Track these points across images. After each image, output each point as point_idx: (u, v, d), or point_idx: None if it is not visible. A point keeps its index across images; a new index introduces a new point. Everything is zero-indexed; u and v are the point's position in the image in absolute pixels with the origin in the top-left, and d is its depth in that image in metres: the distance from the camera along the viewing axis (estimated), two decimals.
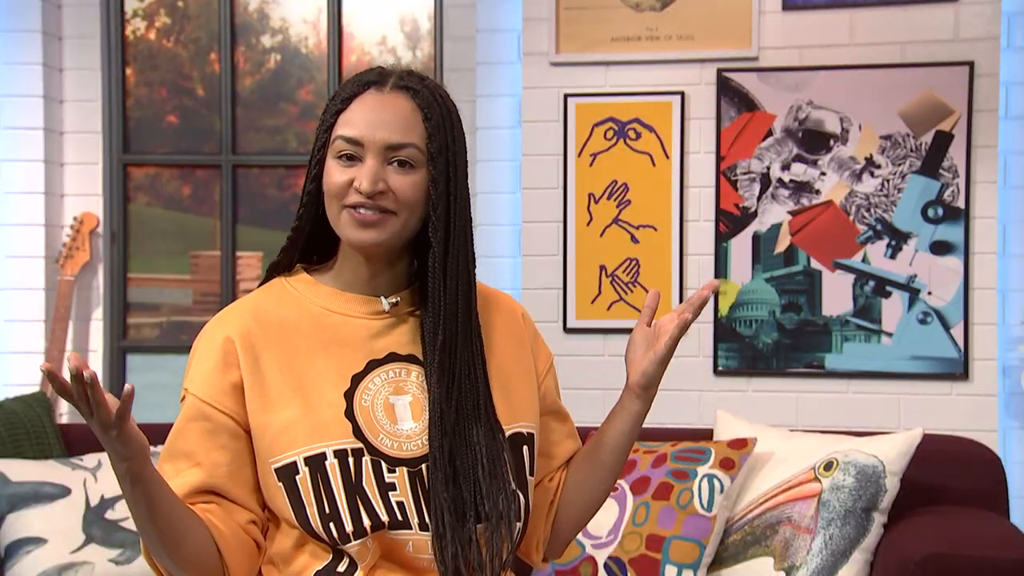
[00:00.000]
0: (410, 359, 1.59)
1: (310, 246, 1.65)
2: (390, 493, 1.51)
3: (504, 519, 1.53)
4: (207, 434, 1.53)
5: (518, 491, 1.58)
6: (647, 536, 2.63)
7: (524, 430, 1.63)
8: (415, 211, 1.55)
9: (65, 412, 3.86)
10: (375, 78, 1.57)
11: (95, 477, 2.84)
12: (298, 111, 4.08)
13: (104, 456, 2.91)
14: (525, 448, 1.62)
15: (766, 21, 3.44)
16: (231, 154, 3.97)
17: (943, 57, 3.34)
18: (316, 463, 1.50)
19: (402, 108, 1.54)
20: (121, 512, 2.81)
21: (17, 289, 3.83)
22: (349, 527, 1.49)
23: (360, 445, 1.52)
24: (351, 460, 1.51)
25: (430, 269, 1.56)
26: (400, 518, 1.51)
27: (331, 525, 1.50)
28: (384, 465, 1.52)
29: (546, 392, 1.72)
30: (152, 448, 3.25)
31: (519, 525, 1.58)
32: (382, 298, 1.60)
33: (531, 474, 1.62)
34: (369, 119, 1.53)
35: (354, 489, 1.50)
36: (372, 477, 1.51)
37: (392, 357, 1.58)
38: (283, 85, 4.05)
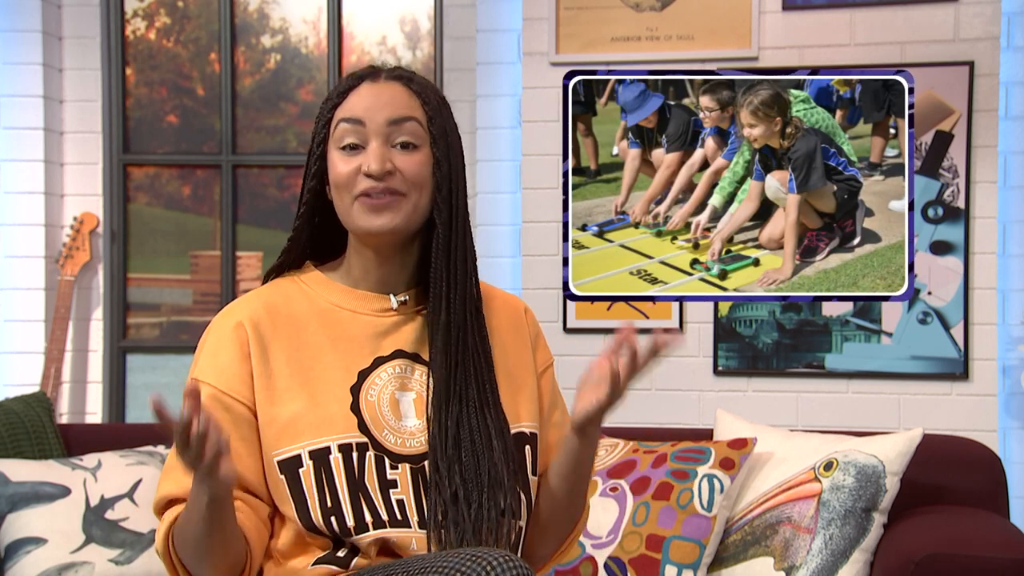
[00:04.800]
0: (415, 357, 1.58)
1: (318, 245, 1.64)
2: (391, 491, 1.51)
3: (504, 515, 1.52)
4: (229, 425, 1.51)
5: (519, 489, 1.57)
6: (647, 536, 2.63)
7: (527, 430, 1.62)
8: (424, 191, 1.55)
9: (65, 412, 3.86)
10: (367, 72, 1.58)
11: (95, 477, 2.84)
12: (298, 111, 4.08)
13: (104, 456, 2.91)
14: (528, 448, 1.60)
15: (766, 21, 3.44)
16: (231, 154, 3.97)
17: (943, 57, 3.34)
18: (320, 457, 1.50)
19: (398, 92, 1.55)
20: (121, 512, 2.81)
21: (17, 289, 3.83)
22: (351, 522, 1.49)
23: (365, 440, 1.51)
24: (355, 455, 1.51)
25: (434, 250, 1.55)
26: (400, 517, 1.50)
27: (332, 519, 1.50)
28: (387, 461, 1.52)
29: (541, 395, 1.69)
30: (153, 448, 3.23)
31: (520, 523, 1.57)
32: (391, 296, 1.59)
33: (534, 473, 1.61)
34: (368, 103, 1.54)
35: (357, 485, 1.50)
36: (374, 473, 1.51)
37: (398, 354, 1.58)
38: (283, 85, 4.06)
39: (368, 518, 1.49)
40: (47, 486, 2.80)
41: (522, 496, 1.58)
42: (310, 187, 1.58)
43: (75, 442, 3.09)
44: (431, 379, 1.55)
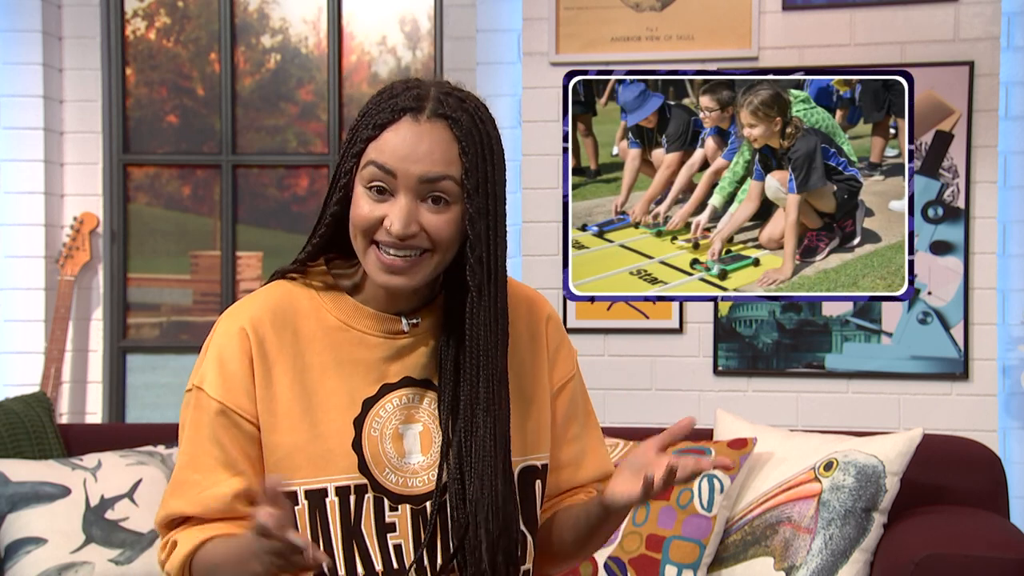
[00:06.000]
0: (425, 383, 1.52)
1: (335, 243, 1.55)
2: (388, 535, 1.47)
3: (511, 563, 1.48)
4: (244, 442, 1.48)
5: (527, 532, 1.53)
6: (647, 536, 2.63)
7: (538, 462, 1.56)
8: (450, 249, 1.45)
9: (65, 412, 3.86)
10: (412, 104, 1.43)
11: (95, 477, 2.84)
12: (298, 111, 4.08)
13: (104, 456, 2.91)
14: (537, 483, 1.55)
15: (766, 21, 3.44)
16: (231, 154, 3.97)
17: (943, 57, 3.34)
18: (316, 499, 1.46)
19: (439, 139, 1.42)
20: (121, 512, 2.81)
21: (17, 289, 3.83)
22: (341, 573, 1.46)
23: (364, 481, 1.46)
24: (352, 498, 1.46)
25: (468, 312, 1.47)
26: (396, 565, 1.47)
27: (324, 565, 1.45)
28: (386, 503, 1.47)
29: (554, 416, 1.62)
30: (153, 448, 3.23)
31: (525, 567, 1.53)
32: (403, 318, 1.52)
33: (539, 508, 1.57)
34: (404, 152, 1.42)
35: (351, 533, 1.46)
36: (372, 518, 1.46)
37: (406, 381, 1.51)
38: (283, 85, 4.06)
39: (360, 570, 1.46)
40: (47, 486, 2.80)
41: (528, 536, 1.53)
42: (332, 211, 1.49)
43: (75, 442, 3.09)
44: (439, 424, 1.50)
